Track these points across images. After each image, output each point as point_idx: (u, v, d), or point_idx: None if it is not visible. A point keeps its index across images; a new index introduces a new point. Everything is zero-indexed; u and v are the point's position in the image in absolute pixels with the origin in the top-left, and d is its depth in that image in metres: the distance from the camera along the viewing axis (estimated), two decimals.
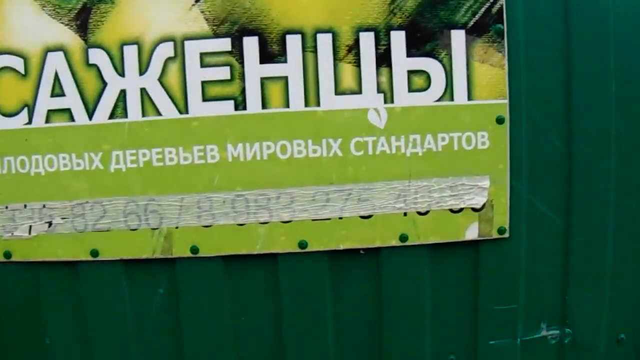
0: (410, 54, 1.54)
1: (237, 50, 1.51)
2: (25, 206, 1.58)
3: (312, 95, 1.52)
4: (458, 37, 1.55)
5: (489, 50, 1.56)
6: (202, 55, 1.51)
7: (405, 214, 1.57)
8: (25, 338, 1.63)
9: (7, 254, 1.60)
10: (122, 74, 1.53)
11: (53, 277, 1.60)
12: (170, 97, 1.52)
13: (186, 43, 1.51)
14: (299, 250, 1.56)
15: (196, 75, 1.51)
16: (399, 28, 1.53)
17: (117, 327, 1.60)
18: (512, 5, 1.57)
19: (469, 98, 1.56)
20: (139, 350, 1.61)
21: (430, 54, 1.54)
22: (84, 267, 1.59)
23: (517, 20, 1.57)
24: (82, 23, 1.53)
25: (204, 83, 1.52)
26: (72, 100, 1.54)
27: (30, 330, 1.63)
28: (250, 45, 1.51)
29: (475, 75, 1.56)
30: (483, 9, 1.55)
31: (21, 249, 1.59)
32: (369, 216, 1.56)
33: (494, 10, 1.55)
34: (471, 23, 1.55)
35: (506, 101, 1.57)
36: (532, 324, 1.66)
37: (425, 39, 1.54)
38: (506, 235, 1.59)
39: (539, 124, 1.60)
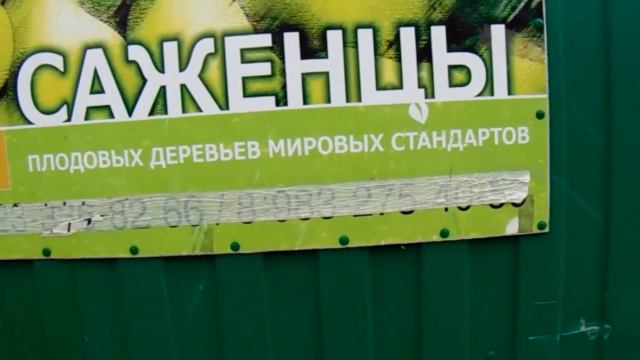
0: (450, 49, 1.53)
1: (278, 46, 1.51)
2: (64, 203, 1.58)
3: (353, 90, 1.52)
4: (498, 32, 1.54)
5: (528, 44, 1.55)
6: (242, 51, 1.51)
7: (446, 209, 1.56)
8: (64, 336, 1.63)
9: (46, 252, 1.60)
10: (162, 70, 1.52)
11: (92, 274, 1.60)
12: (211, 93, 1.52)
13: (226, 39, 1.51)
14: (340, 246, 1.55)
15: (237, 71, 1.51)
16: (439, 23, 1.52)
17: (156, 324, 1.60)
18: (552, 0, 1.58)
19: (509, 93, 1.55)
20: (178, 348, 1.61)
21: (471, 49, 1.53)
22: (123, 265, 1.58)
23: (556, 14, 1.56)
24: (122, 20, 1.53)
25: (244, 79, 1.51)
26: (111, 97, 1.54)
27: (68, 328, 1.63)
28: (291, 40, 1.50)
29: (515, 70, 1.55)
30: (522, 4, 1.54)
31: (60, 246, 1.60)
32: (410, 211, 1.55)
33: (533, 4, 1.54)
34: (511, 17, 1.54)
35: (546, 96, 1.56)
36: (572, 319, 1.65)
37: (466, 34, 1.54)
38: (546, 230, 1.59)
39: (578, 118, 1.60)
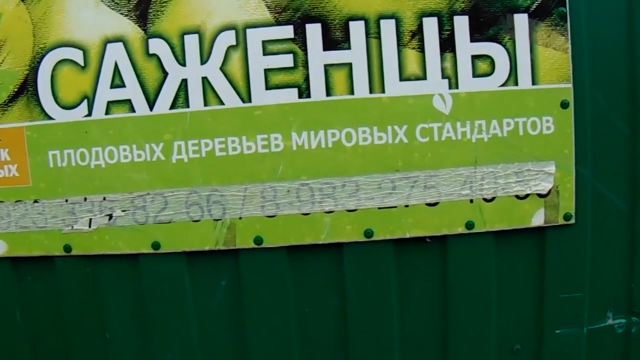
0: (473, 38, 1.51)
1: (300, 38, 1.50)
2: (85, 199, 1.57)
3: (376, 81, 1.50)
4: (521, 21, 1.52)
5: (552, 33, 1.53)
6: (264, 43, 1.50)
7: (471, 201, 1.54)
8: (86, 332, 1.61)
9: (67, 248, 1.59)
10: (183, 63, 1.51)
11: (113, 270, 1.59)
12: (233, 85, 1.51)
13: (248, 31, 1.50)
14: (364, 239, 1.53)
15: (259, 63, 1.50)
16: (462, 13, 1.51)
17: (178, 320, 1.58)
18: None
19: (533, 82, 1.53)
20: (201, 344, 1.59)
21: (494, 39, 1.52)
22: (145, 260, 1.57)
23: (579, 3, 1.54)
24: (142, 13, 1.51)
25: (266, 71, 1.50)
26: (132, 91, 1.53)
27: (90, 325, 1.61)
28: (313, 32, 1.49)
29: (539, 60, 1.53)
30: None
31: (81, 242, 1.58)
32: (435, 203, 1.53)
33: None
34: (534, 6, 1.53)
35: (570, 85, 1.54)
36: (599, 312, 1.63)
37: (489, 24, 1.52)
38: (572, 221, 1.57)
39: (603, 107, 1.58)
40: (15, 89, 1.57)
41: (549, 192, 1.56)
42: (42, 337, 1.65)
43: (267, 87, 1.51)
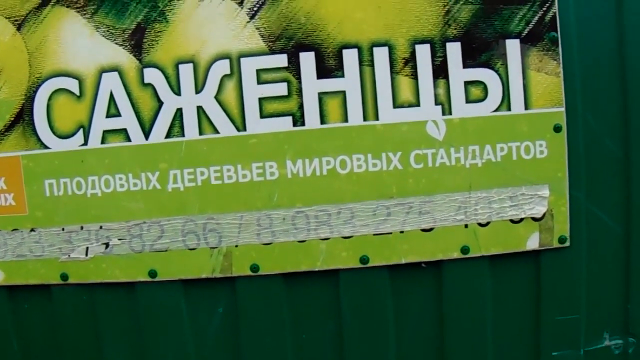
0: (466, 64, 1.52)
1: (294, 66, 1.51)
2: (81, 228, 1.57)
3: (370, 109, 1.51)
4: (513, 47, 1.53)
5: (544, 58, 1.55)
6: (258, 71, 1.51)
7: (466, 226, 1.55)
8: None
9: (64, 276, 1.59)
10: (178, 92, 1.52)
11: (110, 298, 1.59)
12: (228, 114, 1.52)
13: (242, 60, 1.51)
14: (360, 265, 1.54)
15: (253, 92, 1.51)
16: (455, 39, 1.52)
17: (175, 348, 1.58)
18: (565, 13, 1.56)
19: (526, 107, 1.54)
20: None
21: (486, 64, 1.53)
22: (142, 288, 1.57)
23: (570, 27, 1.56)
24: (137, 43, 1.53)
25: (261, 100, 1.51)
26: (127, 120, 1.54)
27: (87, 353, 1.61)
28: (307, 60, 1.50)
29: (532, 84, 1.54)
30: (536, 17, 1.54)
31: (78, 270, 1.59)
32: (430, 229, 1.54)
33: (547, 18, 1.54)
34: (525, 32, 1.54)
35: (563, 109, 1.55)
36: (595, 334, 1.64)
37: (481, 50, 1.53)
38: (567, 244, 1.57)
39: (595, 131, 1.59)
40: (12, 118, 1.57)
41: (544, 215, 1.57)
42: None
43: (262, 116, 1.52)
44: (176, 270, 1.56)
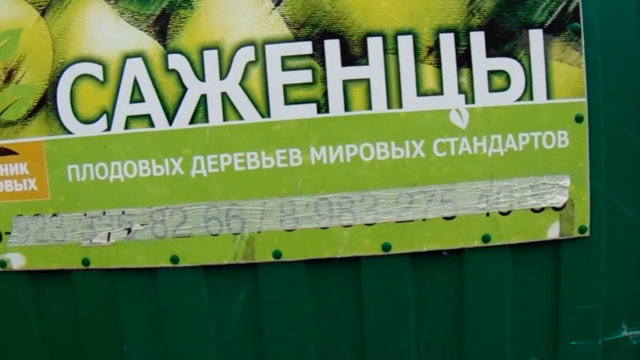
0: (489, 54, 1.53)
1: (319, 53, 1.51)
2: (104, 213, 1.58)
3: (394, 97, 1.52)
4: (536, 37, 1.54)
5: (566, 49, 1.55)
6: (283, 58, 1.51)
7: (487, 215, 1.55)
8: (103, 346, 1.62)
9: (86, 262, 1.60)
10: (202, 78, 1.53)
11: (132, 284, 1.60)
12: (252, 101, 1.52)
13: (267, 47, 1.51)
14: (382, 252, 1.55)
15: (278, 78, 1.51)
16: (478, 29, 1.52)
17: (196, 334, 1.59)
18: (588, 3, 1.57)
19: (548, 97, 1.55)
20: (219, 358, 1.60)
21: (510, 54, 1.54)
22: (164, 274, 1.58)
23: (593, 18, 1.56)
24: (161, 29, 1.53)
25: (285, 86, 1.52)
26: (151, 105, 1.54)
27: (108, 338, 1.62)
28: (332, 48, 1.51)
29: (554, 75, 1.55)
30: (560, 8, 1.54)
31: (99, 256, 1.59)
32: (452, 217, 1.55)
33: (570, 8, 1.55)
34: (548, 22, 1.55)
35: (585, 100, 1.56)
36: (613, 324, 1.64)
37: (504, 39, 1.54)
38: (587, 234, 1.58)
39: (616, 121, 1.60)
40: (35, 104, 1.58)
41: (564, 205, 1.57)
42: (59, 350, 1.66)
43: (286, 103, 1.52)
44: (198, 256, 1.57)
